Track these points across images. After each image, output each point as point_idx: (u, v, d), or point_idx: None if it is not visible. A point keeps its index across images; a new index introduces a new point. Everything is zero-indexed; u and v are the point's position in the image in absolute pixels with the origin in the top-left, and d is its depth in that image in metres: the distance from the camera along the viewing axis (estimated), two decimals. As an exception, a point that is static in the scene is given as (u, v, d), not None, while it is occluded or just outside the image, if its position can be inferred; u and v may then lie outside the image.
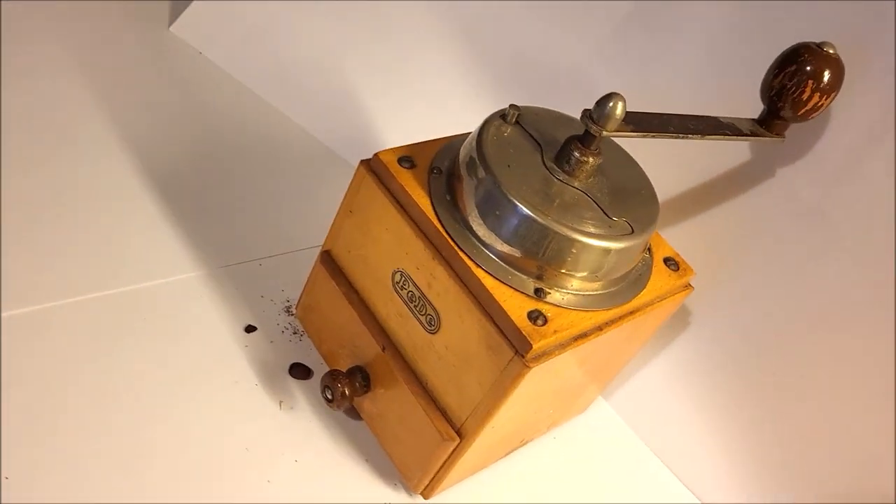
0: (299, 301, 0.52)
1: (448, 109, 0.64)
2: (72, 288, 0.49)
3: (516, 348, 0.38)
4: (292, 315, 0.54)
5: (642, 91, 0.56)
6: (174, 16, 0.72)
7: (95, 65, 0.65)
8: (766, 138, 0.47)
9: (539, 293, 0.40)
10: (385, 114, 0.66)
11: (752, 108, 0.48)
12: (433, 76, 0.65)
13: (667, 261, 0.47)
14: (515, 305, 0.39)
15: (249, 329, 0.52)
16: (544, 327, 0.39)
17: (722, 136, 0.45)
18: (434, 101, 0.65)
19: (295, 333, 0.53)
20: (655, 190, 0.45)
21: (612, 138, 0.47)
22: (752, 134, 0.47)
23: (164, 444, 0.45)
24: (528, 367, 0.38)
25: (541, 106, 0.46)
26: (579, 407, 0.55)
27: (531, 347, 0.38)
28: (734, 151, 0.51)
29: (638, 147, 0.48)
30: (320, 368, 0.52)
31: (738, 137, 0.46)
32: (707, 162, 0.52)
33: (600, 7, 0.57)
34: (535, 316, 0.39)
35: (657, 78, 0.55)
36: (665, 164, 0.51)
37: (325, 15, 0.67)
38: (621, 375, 0.58)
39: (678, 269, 0.47)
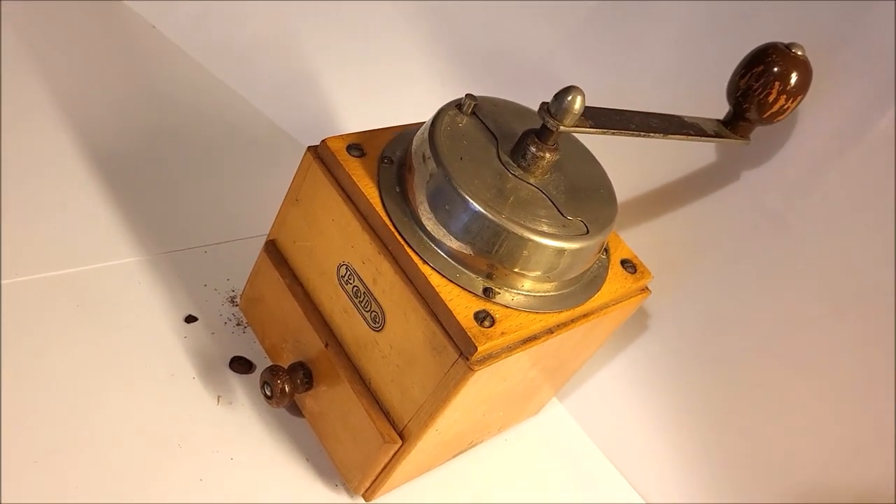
0: (243, 292, 0.50)
1: (412, 97, 0.62)
2: (2, 270, 0.47)
3: (461, 350, 0.37)
4: (237, 306, 0.52)
5: (610, 87, 0.54)
6: (128, -13, 0.69)
7: (44, 35, 0.62)
8: (731, 140, 0.46)
9: (488, 293, 0.38)
10: (346, 98, 0.64)
11: (721, 108, 0.46)
12: (398, 61, 0.63)
13: (624, 263, 0.46)
14: (462, 305, 0.37)
15: (190, 319, 0.50)
16: (491, 329, 0.37)
17: (685, 136, 0.44)
18: (398, 87, 0.63)
19: (238, 325, 0.51)
20: (616, 189, 0.44)
21: (572, 134, 0.45)
22: (717, 135, 0.45)
23: (92, 438, 0.42)
24: (473, 370, 0.36)
25: (507, 98, 0.44)
26: (532, 409, 0.54)
27: (476, 350, 0.36)
28: (698, 153, 0.50)
29: (600, 144, 0.46)
30: (263, 363, 0.49)
31: (702, 138, 0.45)
32: (670, 163, 0.51)
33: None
34: (482, 317, 0.37)
35: (626, 74, 0.54)
36: (627, 163, 0.49)
37: (286, -7, 0.64)
38: (577, 377, 0.56)
39: (636, 271, 0.46)
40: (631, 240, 0.48)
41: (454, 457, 0.50)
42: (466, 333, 0.36)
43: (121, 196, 0.54)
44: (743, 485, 0.51)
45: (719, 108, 0.46)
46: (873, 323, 0.44)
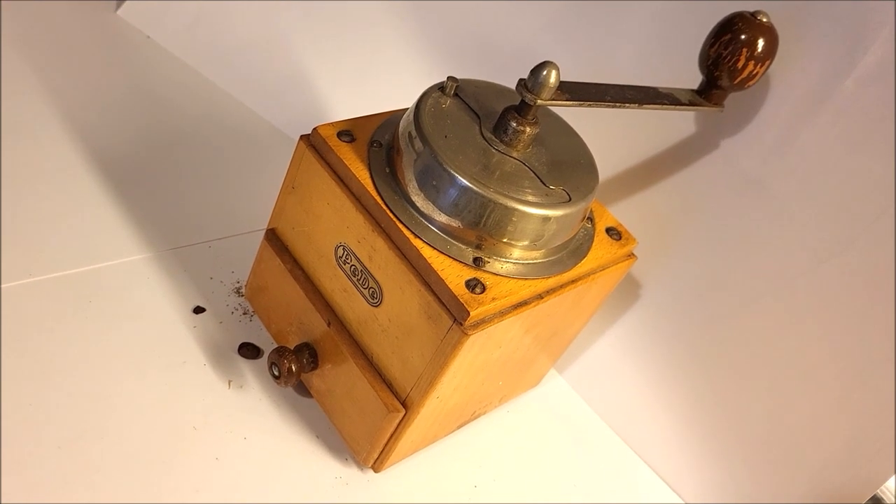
0: (248, 281, 0.52)
1: (399, 87, 0.64)
2: (17, 271, 0.49)
3: (454, 316, 0.39)
4: (242, 296, 0.54)
5: (590, 67, 0.56)
6: (122, -1, 0.71)
7: (42, 48, 0.64)
8: (705, 108, 0.48)
9: (478, 262, 0.40)
10: (335, 92, 0.66)
11: (697, 82, 0.48)
12: (384, 54, 0.65)
13: (609, 230, 0.47)
14: (454, 274, 0.39)
15: (198, 310, 0.52)
16: (482, 295, 0.39)
17: (660, 106, 0.46)
18: (385, 78, 0.65)
19: (245, 314, 0.53)
20: (598, 163, 0.46)
21: (552, 109, 0.47)
22: (691, 103, 0.47)
23: (112, 424, 0.44)
24: (467, 335, 0.39)
25: (490, 80, 0.46)
26: (531, 380, 0.56)
27: (469, 314, 0.38)
28: (676, 123, 0.52)
29: (581, 120, 0.48)
30: (271, 348, 0.51)
31: (677, 107, 0.47)
32: (650, 135, 0.53)
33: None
34: (473, 284, 0.39)
35: (605, 54, 0.56)
36: (608, 135, 0.51)
37: (273, -4, 0.67)
38: (573, 348, 0.58)
39: (620, 238, 0.48)
40: (616, 211, 0.50)
41: (458, 428, 0.52)
42: (459, 300, 0.38)
43: (126, 198, 0.56)
44: (744, 442, 0.53)
45: (696, 82, 0.48)
46: (851, 270, 0.46)
